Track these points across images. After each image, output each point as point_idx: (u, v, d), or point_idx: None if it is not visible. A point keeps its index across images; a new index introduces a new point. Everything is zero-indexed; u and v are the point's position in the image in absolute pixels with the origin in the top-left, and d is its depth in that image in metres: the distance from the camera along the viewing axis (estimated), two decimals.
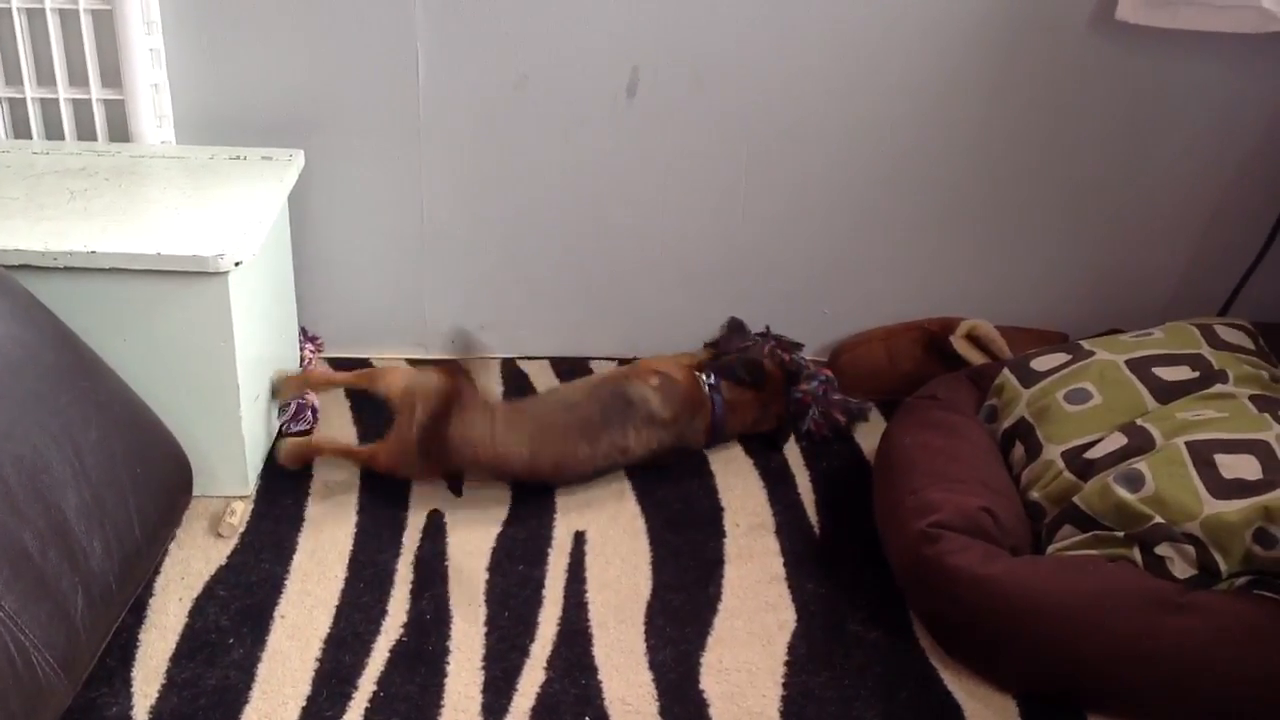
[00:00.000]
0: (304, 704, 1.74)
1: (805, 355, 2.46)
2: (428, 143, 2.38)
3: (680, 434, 2.24)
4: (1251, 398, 1.98)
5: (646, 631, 1.90)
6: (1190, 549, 1.77)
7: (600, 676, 1.81)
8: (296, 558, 2.01)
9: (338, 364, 2.54)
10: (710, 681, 1.81)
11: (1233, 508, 1.75)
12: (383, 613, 1.91)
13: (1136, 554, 1.80)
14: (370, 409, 2.37)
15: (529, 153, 2.40)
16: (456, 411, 2.05)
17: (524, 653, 1.85)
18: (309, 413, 2.33)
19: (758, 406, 2.34)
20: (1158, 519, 1.79)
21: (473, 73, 2.31)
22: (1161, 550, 1.79)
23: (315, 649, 1.84)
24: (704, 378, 2.29)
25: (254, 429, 2.14)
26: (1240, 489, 1.77)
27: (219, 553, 2.01)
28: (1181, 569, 1.78)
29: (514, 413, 2.15)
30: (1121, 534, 1.82)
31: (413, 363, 2.55)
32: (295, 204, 2.35)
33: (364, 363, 2.56)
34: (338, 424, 2.36)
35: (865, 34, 2.29)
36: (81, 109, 2.27)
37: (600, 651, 1.86)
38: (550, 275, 2.55)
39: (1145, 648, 1.73)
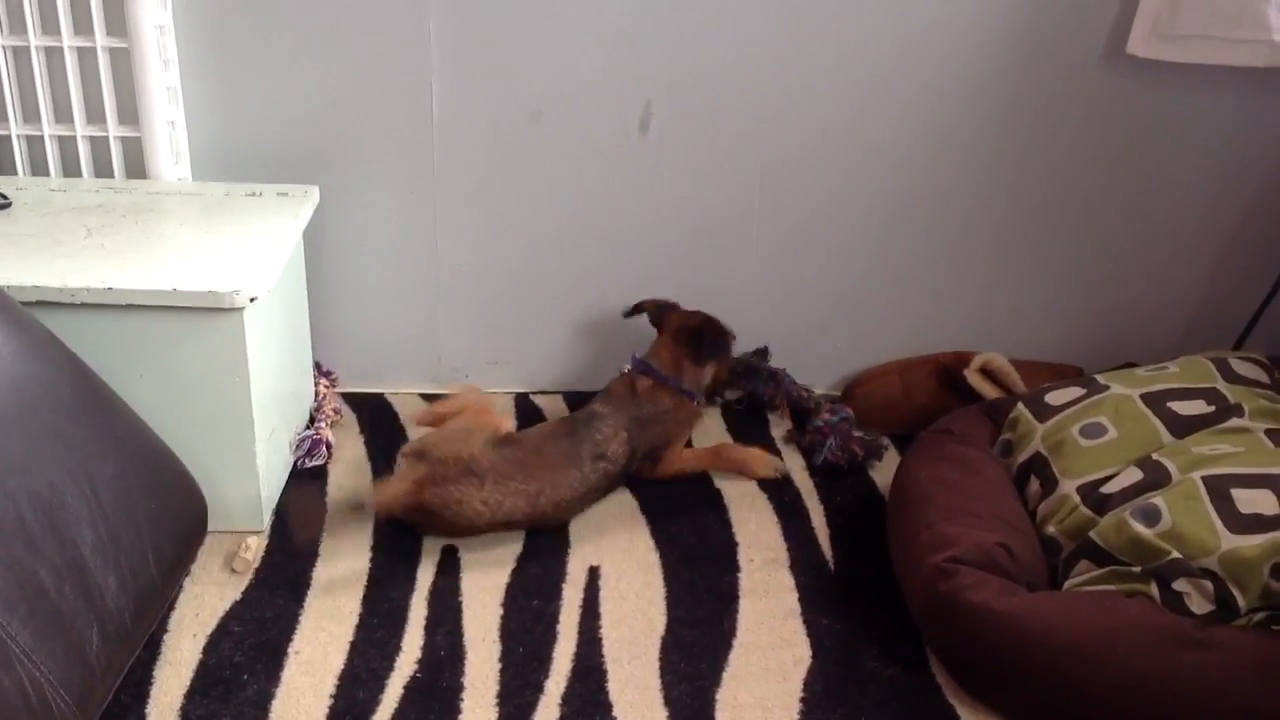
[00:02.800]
0: None
1: (819, 390, 2.45)
2: (442, 178, 2.39)
3: (639, 418, 2.26)
4: (1268, 432, 1.97)
5: (661, 667, 1.89)
6: (1208, 584, 1.76)
7: (615, 713, 1.80)
8: (310, 593, 2.01)
9: (352, 399, 2.55)
10: (725, 718, 1.80)
11: (1250, 543, 1.74)
12: (397, 649, 1.91)
13: (1154, 589, 1.79)
14: (384, 442, 2.39)
15: (543, 187, 2.41)
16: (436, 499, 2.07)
17: (538, 689, 1.84)
18: (323, 448, 2.33)
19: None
20: (1175, 554, 1.78)
21: (487, 108, 2.33)
22: (1179, 586, 1.78)
23: (329, 685, 1.83)
24: (625, 368, 2.34)
25: (269, 465, 2.14)
26: (1258, 524, 1.76)
27: (233, 588, 2.01)
28: (1199, 604, 1.77)
29: (503, 465, 2.11)
30: (1138, 569, 1.81)
31: (426, 398, 2.56)
32: (310, 240, 2.36)
33: (378, 398, 2.56)
34: (350, 456, 2.36)
35: (877, 69, 2.30)
36: (99, 146, 2.29)
37: (615, 687, 1.85)
38: (564, 310, 2.55)
39: (1162, 684, 1.71)
